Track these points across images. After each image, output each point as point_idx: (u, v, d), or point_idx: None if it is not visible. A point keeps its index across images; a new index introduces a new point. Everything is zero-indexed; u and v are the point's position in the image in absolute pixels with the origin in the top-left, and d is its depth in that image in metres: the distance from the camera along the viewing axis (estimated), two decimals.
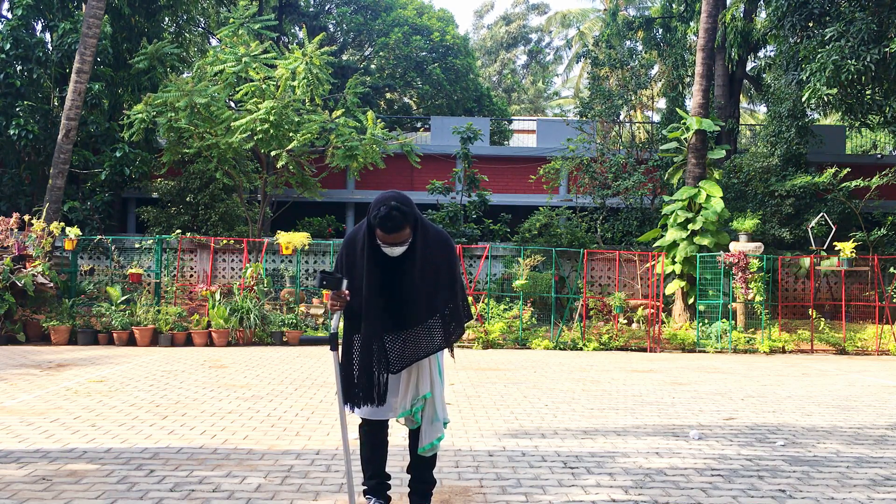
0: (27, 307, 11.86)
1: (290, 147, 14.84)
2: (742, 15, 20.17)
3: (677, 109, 17.51)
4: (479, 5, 51.62)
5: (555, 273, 14.07)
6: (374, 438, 3.75)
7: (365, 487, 3.79)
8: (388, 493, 3.82)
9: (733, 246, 13.51)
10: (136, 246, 14.52)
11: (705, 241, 13.70)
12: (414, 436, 3.70)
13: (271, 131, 14.42)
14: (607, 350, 12.31)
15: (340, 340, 3.64)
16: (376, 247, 3.49)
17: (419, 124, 27.21)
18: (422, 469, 3.77)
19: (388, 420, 3.73)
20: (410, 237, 3.47)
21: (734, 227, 14.22)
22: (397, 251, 3.48)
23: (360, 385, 3.55)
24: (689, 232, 13.95)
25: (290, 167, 15.28)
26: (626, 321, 13.47)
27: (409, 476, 3.84)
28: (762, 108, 24.07)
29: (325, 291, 3.61)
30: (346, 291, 3.52)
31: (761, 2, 20.35)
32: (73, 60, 14.66)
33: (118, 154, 16.65)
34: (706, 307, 13.40)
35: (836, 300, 14.88)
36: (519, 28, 44.86)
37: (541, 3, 45.94)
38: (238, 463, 4.68)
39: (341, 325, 3.63)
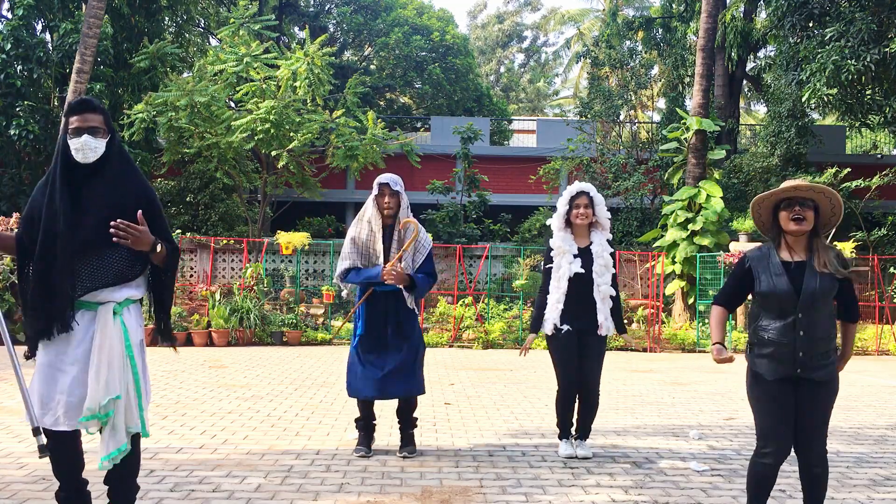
0: None
1: (290, 147, 14.84)
2: (742, 15, 20.16)
3: (677, 109, 17.50)
4: (471, 5, 51.58)
5: None
6: (59, 454, 3.13)
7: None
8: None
9: (733, 246, 13.51)
10: None
11: (705, 241, 13.70)
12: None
13: (272, 131, 14.41)
14: (607, 350, 12.28)
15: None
16: None
17: (419, 124, 27.19)
18: (116, 477, 3.20)
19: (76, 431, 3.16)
20: None
21: (734, 227, 14.21)
22: None
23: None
24: (689, 232, 13.95)
25: (291, 167, 15.27)
26: (626, 321, 13.46)
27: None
28: (761, 109, 24.10)
29: None
30: None
31: (761, 2, 20.35)
32: (74, 60, 14.66)
33: None
34: (706, 307, 13.38)
35: None
36: (513, 25, 44.74)
37: (533, 0, 45.84)
38: (238, 463, 4.67)
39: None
